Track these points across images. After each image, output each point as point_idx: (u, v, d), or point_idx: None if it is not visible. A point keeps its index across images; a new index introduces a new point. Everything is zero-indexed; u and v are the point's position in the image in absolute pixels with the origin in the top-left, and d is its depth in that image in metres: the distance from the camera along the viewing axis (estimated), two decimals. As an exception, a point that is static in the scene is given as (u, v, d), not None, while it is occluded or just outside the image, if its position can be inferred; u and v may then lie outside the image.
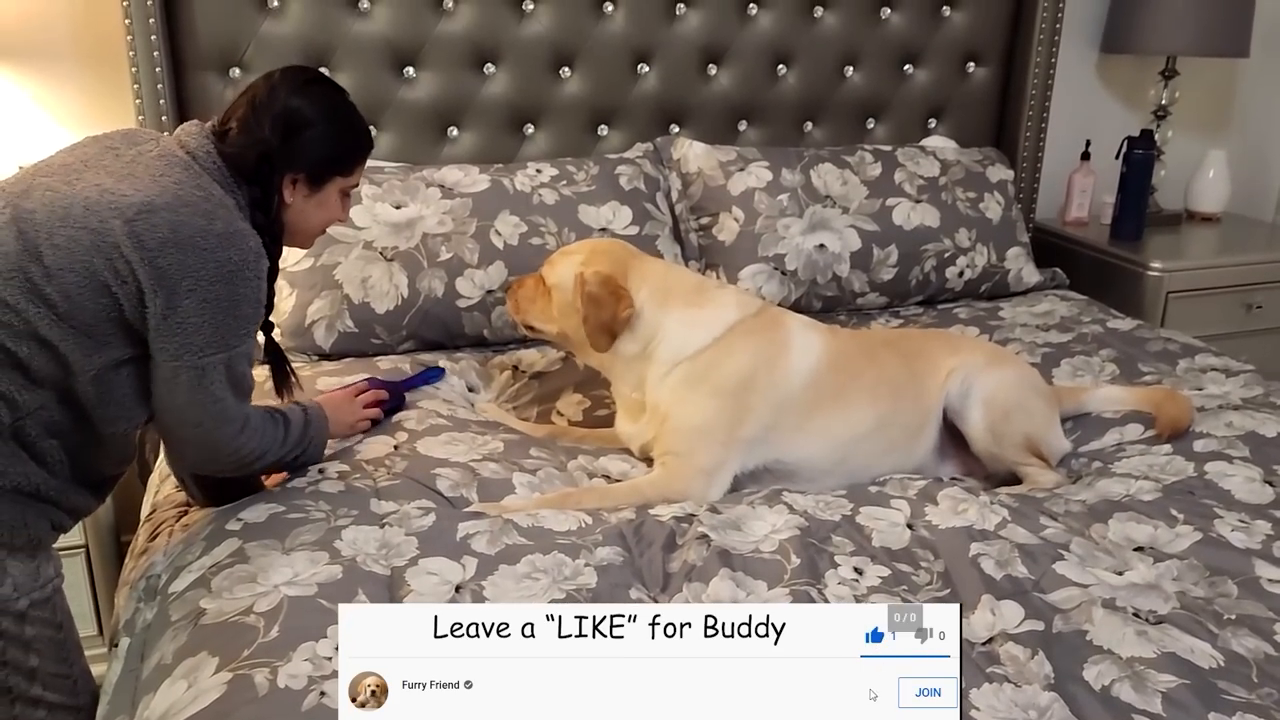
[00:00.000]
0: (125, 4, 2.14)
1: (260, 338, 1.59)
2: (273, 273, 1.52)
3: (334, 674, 1.16)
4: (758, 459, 1.74)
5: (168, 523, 1.64)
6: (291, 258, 2.10)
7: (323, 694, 1.14)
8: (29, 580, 1.37)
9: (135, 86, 2.19)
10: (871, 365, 1.83)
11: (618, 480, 1.74)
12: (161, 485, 1.80)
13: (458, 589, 1.34)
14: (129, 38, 2.16)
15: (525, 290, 1.85)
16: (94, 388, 1.36)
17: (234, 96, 2.24)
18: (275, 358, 1.60)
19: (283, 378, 1.61)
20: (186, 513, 1.65)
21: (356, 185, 1.63)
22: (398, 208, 2.18)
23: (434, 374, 2.06)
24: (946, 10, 2.81)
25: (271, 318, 1.60)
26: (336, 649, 1.20)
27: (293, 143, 1.49)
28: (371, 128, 2.40)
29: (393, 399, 1.89)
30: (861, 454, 1.78)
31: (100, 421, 1.39)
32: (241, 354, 1.43)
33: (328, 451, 1.70)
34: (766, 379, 1.74)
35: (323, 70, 2.32)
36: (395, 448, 1.73)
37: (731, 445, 1.71)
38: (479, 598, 1.32)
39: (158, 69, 2.19)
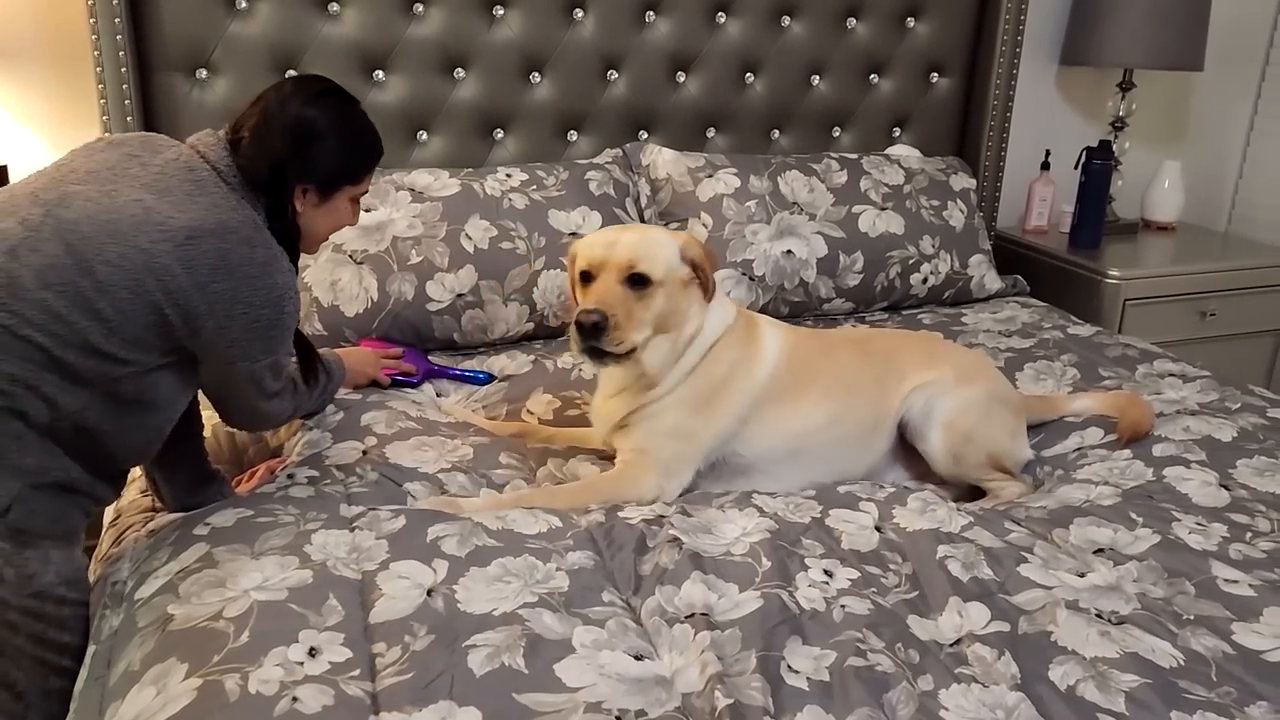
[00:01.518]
0: (90, 3, 2.11)
1: None
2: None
3: (306, 679, 1.16)
4: (718, 453, 1.75)
5: (134, 528, 1.62)
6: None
7: (295, 699, 1.13)
8: (68, 566, 1.41)
9: (100, 87, 2.17)
10: (828, 362, 1.85)
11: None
12: (126, 490, 1.78)
13: (429, 592, 1.33)
14: (94, 37, 2.13)
15: (623, 306, 1.63)
16: (135, 386, 1.40)
17: (200, 98, 2.27)
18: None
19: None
20: (153, 518, 1.63)
21: (366, 192, 1.66)
22: (367, 211, 2.17)
23: (480, 376, 2.11)
24: (911, 22, 2.85)
25: None
26: (309, 653, 1.20)
27: (304, 154, 1.52)
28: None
29: (418, 376, 2.05)
30: (813, 447, 1.79)
31: (139, 415, 1.43)
32: (285, 352, 1.56)
33: (297, 456, 1.71)
34: (742, 378, 1.76)
35: (290, 71, 2.31)
36: (364, 452, 1.72)
37: (699, 444, 1.73)
38: (450, 601, 1.32)
39: (123, 69, 2.16)
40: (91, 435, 1.39)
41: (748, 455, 1.76)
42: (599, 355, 1.64)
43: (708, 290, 1.74)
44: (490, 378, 2.11)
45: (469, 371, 2.12)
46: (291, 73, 2.34)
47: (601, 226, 2.32)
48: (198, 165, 1.47)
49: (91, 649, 1.40)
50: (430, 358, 2.15)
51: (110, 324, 1.34)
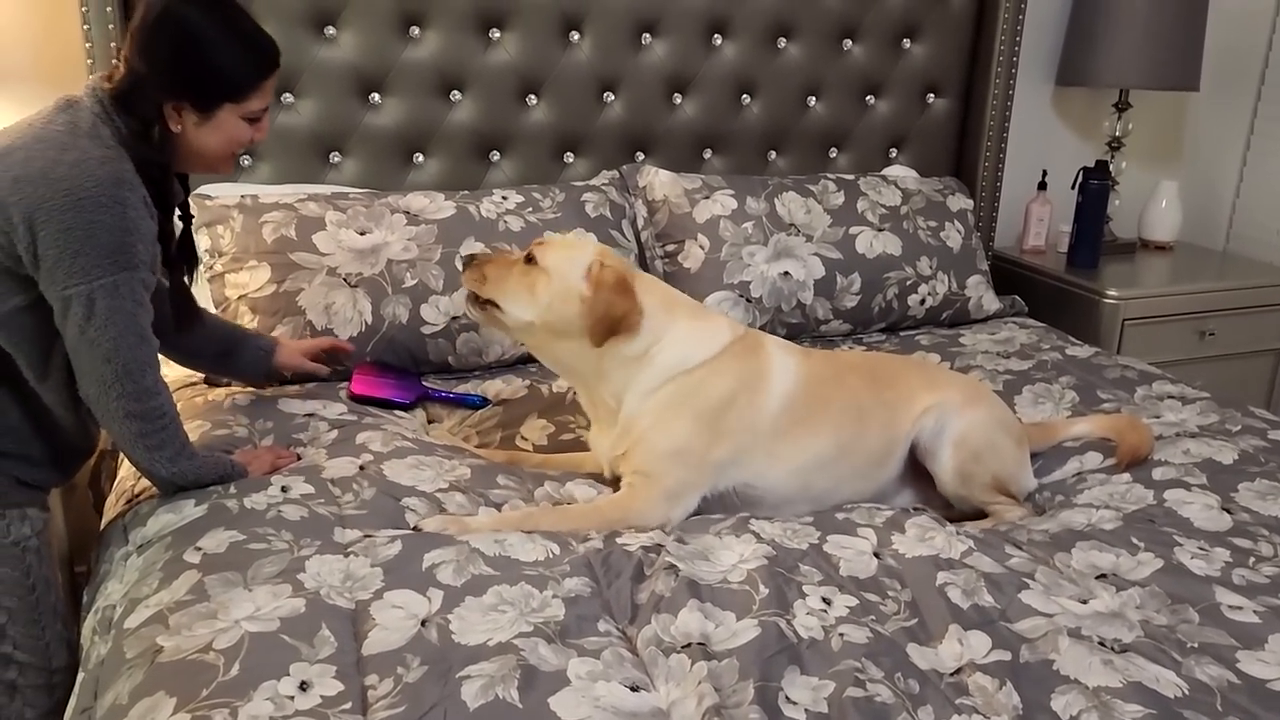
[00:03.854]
0: (85, 28, 2.12)
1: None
2: (166, 202, 1.51)
3: (296, 714, 1.14)
4: (726, 482, 1.73)
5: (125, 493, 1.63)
6: (253, 283, 2.07)
7: (285, 733, 1.11)
8: None
9: (94, 110, 2.16)
10: (840, 390, 1.82)
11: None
12: (116, 503, 1.76)
13: (423, 623, 1.32)
14: (89, 61, 2.14)
15: (496, 266, 1.74)
16: (2, 336, 1.40)
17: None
18: (180, 296, 1.67)
19: (185, 312, 1.67)
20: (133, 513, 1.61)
21: (263, 108, 1.55)
22: (362, 234, 2.17)
23: (474, 400, 2.09)
24: (907, 43, 2.85)
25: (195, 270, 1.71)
26: (300, 686, 1.18)
27: (159, 69, 1.45)
28: (335, 153, 2.41)
29: (410, 398, 2.02)
30: (824, 479, 1.77)
31: (28, 370, 1.43)
32: (106, 287, 1.39)
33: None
34: (747, 403, 1.73)
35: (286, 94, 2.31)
36: (361, 468, 1.70)
37: (703, 468, 1.70)
38: (445, 632, 1.30)
39: (117, 92, 2.16)
40: (5, 384, 1.40)
41: (760, 487, 1.74)
42: (474, 298, 1.77)
43: (589, 323, 1.67)
44: (485, 401, 2.10)
45: (463, 395, 2.11)
46: (287, 97, 2.34)
47: (598, 249, 2.32)
48: (61, 100, 1.47)
49: (80, 676, 1.38)
50: (425, 381, 2.14)
51: None
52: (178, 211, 1.70)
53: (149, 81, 1.44)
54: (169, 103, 1.46)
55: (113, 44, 2.13)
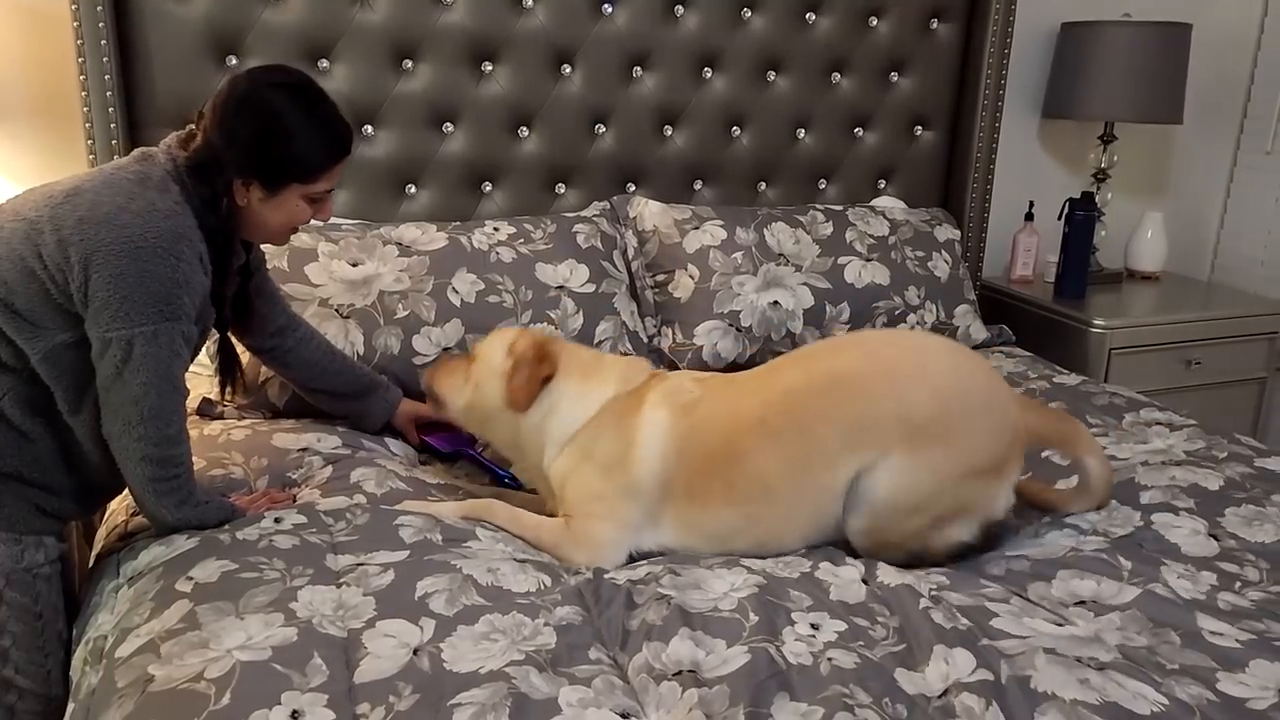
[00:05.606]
0: (81, 60, 2.14)
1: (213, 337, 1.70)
2: (223, 271, 1.55)
3: (288, 741, 1.14)
4: (648, 544, 1.71)
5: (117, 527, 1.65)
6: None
7: (276, 762, 1.11)
8: (10, 560, 1.43)
9: (89, 143, 2.19)
10: (736, 449, 1.65)
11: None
12: (106, 537, 1.76)
13: (415, 651, 1.32)
14: (84, 94, 2.16)
15: (444, 365, 1.90)
16: (44, 368, 1.43)
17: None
18: (225, 355, 1.71)
19: (228, 375, 1.71)
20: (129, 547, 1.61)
21: (329, 190, 1.60)
22: (354, 265, 2.18)
23: (504, 475, 2.02)
24: (894, 76, 2.90)
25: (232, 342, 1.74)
26: (291, 715, 1.18)
27: (235, 148, 1.49)
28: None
29: (450, 448, 2.05)
30: (742, 545, 1.68)
31: (63, 403, 1.46)
32: (146, 335, 1.42)
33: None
34: (622, 466, 1.69)
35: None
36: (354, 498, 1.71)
37: (623, 523, 1.69)
38: (436, 660, 1.30)
39: (113, 125, 2.18)
40: (42, 416, 1.43)
41: (677, 549, 1.70)
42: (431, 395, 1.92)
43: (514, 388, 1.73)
44: (518, 484, 1.99)
45: (496, 465, 2.04)
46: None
47: (589, 279, 2.34)
48: (146, 152, 1.52)
49: (70, 707, 1.38)
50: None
51: (2, 299, 1.40)
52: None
53: (225, 158, 1.48)
54: (238, 179, 1.51)
55: (106, 75, 2.15)
